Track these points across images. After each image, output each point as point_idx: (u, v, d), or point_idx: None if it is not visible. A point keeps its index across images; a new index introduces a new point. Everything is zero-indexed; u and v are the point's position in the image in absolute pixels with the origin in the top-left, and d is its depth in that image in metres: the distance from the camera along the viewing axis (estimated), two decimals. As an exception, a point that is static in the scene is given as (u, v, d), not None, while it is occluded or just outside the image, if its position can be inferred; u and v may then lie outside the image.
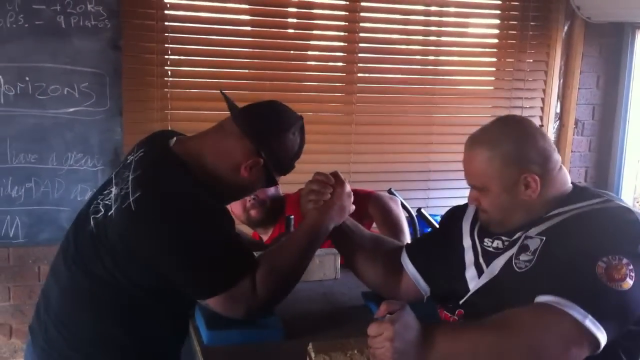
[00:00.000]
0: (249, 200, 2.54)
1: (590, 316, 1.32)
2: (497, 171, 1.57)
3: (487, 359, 1.31)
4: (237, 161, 1.74)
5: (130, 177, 1.69)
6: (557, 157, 1.62)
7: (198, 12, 3.52)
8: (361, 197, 2.62)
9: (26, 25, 3.04)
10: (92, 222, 1.74)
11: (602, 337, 1.33)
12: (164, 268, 1.65)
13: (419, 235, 2.68)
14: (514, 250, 1.58)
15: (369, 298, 2.03)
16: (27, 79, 3.08)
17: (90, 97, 3.17)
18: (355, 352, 1.45)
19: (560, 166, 1.63)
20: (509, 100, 4.09)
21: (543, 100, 4.16)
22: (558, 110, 4.15)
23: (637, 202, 4.84)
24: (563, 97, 4.14)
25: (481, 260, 1.66)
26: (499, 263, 1.60)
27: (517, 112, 4.08)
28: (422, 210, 2.72)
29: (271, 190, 2.60)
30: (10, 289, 3.34)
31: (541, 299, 1.38)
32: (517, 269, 1.55)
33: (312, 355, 1.47)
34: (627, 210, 1.53)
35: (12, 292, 3.34)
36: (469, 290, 1.64)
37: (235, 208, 2.57)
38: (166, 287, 1.69)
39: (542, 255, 1.52)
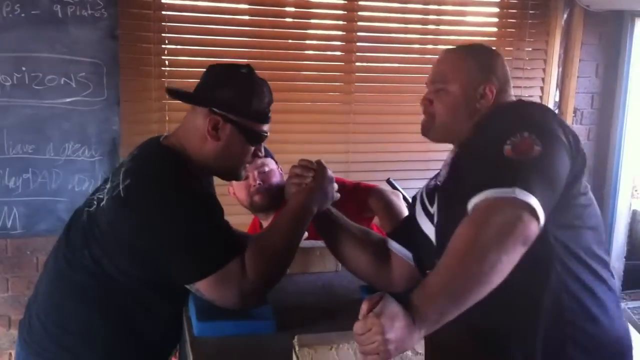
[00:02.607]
0: (253, 185, 2.53)
1: (516, 188, 1.34)
2: (466, 70, 1.69)
3: (464, 288, 1.28)
4: (201, 130, 1.77)
5: (122, 170, 1.74)
6: (512, 91, 1.73)
7: (195, 1, 3.50)
8: (362, 191, 2.62)
9: (23, 14, 3.02)
10: (85, 215, 1.78)
11: (535, 203, 1.33)
12: (152, 252, 1.67)
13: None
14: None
15: (367, 291, 2.01)
16: (23, 69, 3.06)
17: (88, 87, 3.16)
18: (340, 345, 1.44)
19: (513, 99, 1.73)
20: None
21: (542, 88, 4.14)
22: (557, 99, 4.14)
23: (636, 190, 4.85)
24: (562, 86, 4.13)
25: (427, 204, 1.74)
26: (436, 197, 1.70)
27: (516, 101, 4.07)
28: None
29: (276, 178, 2.58)
30: (8, 280, 3.33)
31: (471, 203, 1.40)
32: (438, 185, 1.67)
33: (296, 348, 1.45)
34: (518, 100, 1.66)
35: (10, 283, 3.34)
36: (430, 239, 1.71)
37: (239, 193, 2.56)
38: (155, 277, 1.71)
39: (454, 163, 1.64)
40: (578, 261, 1.53)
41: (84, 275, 1.73)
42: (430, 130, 1.73)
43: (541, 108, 1.58)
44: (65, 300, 1.77)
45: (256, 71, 1.90)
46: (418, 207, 1.80)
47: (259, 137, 1.85)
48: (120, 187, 1.68)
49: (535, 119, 1.52)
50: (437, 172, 1.82)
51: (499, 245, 1.29)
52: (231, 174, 1.91)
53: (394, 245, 1.89)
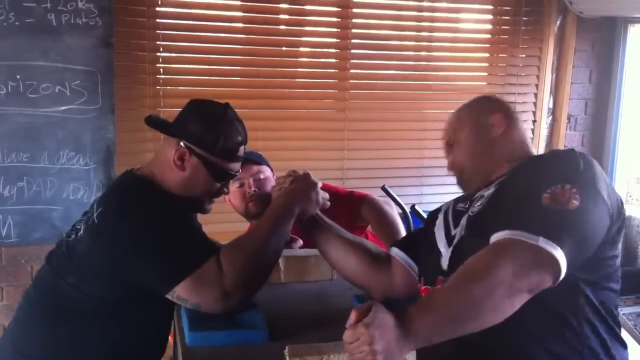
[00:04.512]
0: (248, 192, 2.53)
1: (542, 237, 1.35)
2: (469, 116, 1.78)
3: (463, 310, 1.29)
4: (169, 159, 1.86)
5: (97, 199, 1.86)
6: (521, 123, 1.80)
7: (190, 9, 3.51)
8: (356, 199, 2.62)
9: (17, 23, 3.02)
10: (64, 245, 1.85)
11: (559, 255, 1.34)
12: (129, 269, 1.71)
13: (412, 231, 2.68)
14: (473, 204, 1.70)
15: (360, 300, 2.00)
16: (18, 77, 3.06)
17: (82, 95, 3.15)
18: (331, 356, 1.43)
19: (524, 130, 1.80)
20: (501, 96, 4.07)
21: (536, 95, 4.16)
22: (551, 105, 4.16)
23: (630, 196, 4.86)
24: (556, 92, 4.15)
25: (451, 225, 1.74)
26: (463, 220, 1.68)
27: (510, 108, 4.09)
28: (416, 206, 2.72)
29: (271, 185, 2.58)
30: (3, 288, 3.32)
31: (494, 237, 1.42)
32: (470, 214, 1.67)
33: (287, 358, 1.45)
34: (569, 149, 1.69)
35: (5, 292, 3.33)
36: (441, 257, 1.71)
37: (234, 200, 2.57)
38: (135, 298, 1.76)
39: (492, 198, 1.63)
40: (601, 319, 1.54)
41: (61, 302, 1.79)
42: (466, 183, 1.79)
43: (592, 164, 1.57)
44: (36, 328, 1.83)
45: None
46: (440, 224, 1.79)
47: (225, 175, 1.91)
48: (94, 215, 1.77)
49: (582, 173, 1.52)
50: (460, 194, 1.85)
51: (509, 285, 1.31)
52: (195, 206, 1.96)
53: (397, 252, 1.89)
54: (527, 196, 1.48)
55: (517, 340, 1.52)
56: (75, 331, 1.79)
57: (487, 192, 1.67)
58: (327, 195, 1.97)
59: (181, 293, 1.69)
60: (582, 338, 1.51)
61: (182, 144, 1.84)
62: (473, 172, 1.75)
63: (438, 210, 1.87)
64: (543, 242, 1.34)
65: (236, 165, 1.93)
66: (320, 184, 1.96)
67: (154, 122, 1.98)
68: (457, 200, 1.81)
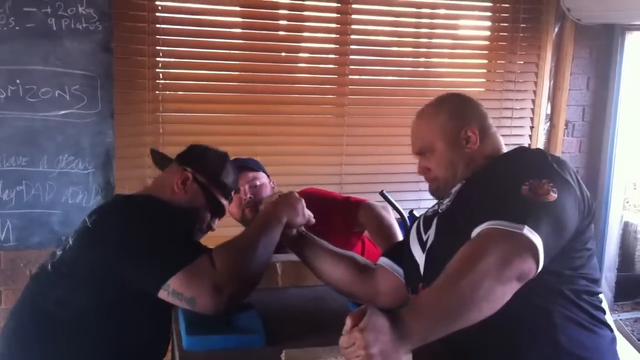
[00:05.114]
0: (244, 199, 2.55)
1: (527, 226, 1.38)
2: (441, 128, 1.77)
3: (455, 305, 1.30)
4: (171, 182, 1.97)
5: (87, 215, 1.89)
6: (491, 121, 1.82)
7: (189, 14, 3.51)
8: (352, 205, 2.63)
9: (17, 27, 3.03)
10: (49, 266, 1.87)
11: (539, 244, 1.37)
12: (122, 268, 1.73)
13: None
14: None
15: (355, 305, 2.01)
16: (17, 81, 3.07)
17: (82, 99, 3.16)
18: None
19: (495, 130, 1.82)
20: (499, 102, 4.10)
21: (533, 101, 4.17)
22: (548, 112, 4.17)
23: (627, 202, 4.87)
24: (553, 99, 4.16)
25: (422, 231, 1.76)
26: (434, 222, 1.72)
27: (507, 113, 4.11)
28: (414, 212, 2.72)
29: (267, 192, 2.60)
30: (1, 292, 3.32)
31: (476, 230, 1.44)
32: (440, 212, 1.71)
33: None
34: (537, 148, 1.72)
35: (4, 295, 3.33)
36: (418, 265, 1.73)
37: (231, 206, 2.58)
38: (128, 305, 1.77)
39: (460, 193, 1.69)
40: (577, 307, 1.57)
41: (49, 320, 1.79)
42: (440, 191, 1.81)
43: (563, 162, 1.62)
44: (24, 349, 1.83)
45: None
46: (413, 234, 1.82)
47: (218, 208, 2.03)
48: (88, 222, 1.82)
49: (556, 170, 1.57)
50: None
51: (496, 274, 1.32)
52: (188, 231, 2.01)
53: (385, 261, 1.92)
54: (505, 188, 1.52)
55: (498, 334, 1.53)
56: (65, 345, 1.79)
57: (455, 188, 1.73)
58: (311, 214, 2.02)
59: (176, 287, 1.69)
60: (557, 328, 1.54)
61: (187, 169, 1.97)
62: (447, 182, 1.78)
63: (411, 224, 1.90)
64: (527, 231, 1.38)
65: (227, 205, 2.08)
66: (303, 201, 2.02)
67: (157, 155, 2.15)
68: (429, 208, 1.85)
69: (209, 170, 2.00)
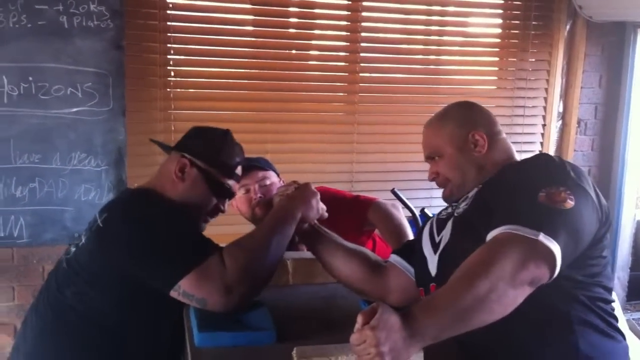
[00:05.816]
0: (254, 198, 2.56)
1: (542, 233, 1.38)
2: (448, 134, 1.81)
3: (468, 306, 1.29)
4: (170, 172, 1.96)
5: (99, 212, 1.90)
6: (500, 128, 1.84)
7: (200, 12, 3.53)
8: (362, 204, 2.63)
9: (29, 25, 3.05)
10: (64, 262, 1.89)
11: (556, 250, 1.38)
12: (134, 267, 1.74)
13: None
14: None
15: (366, 303, 2.00)
16: (30, 79, 3.09)
17: (94, 97, 3.18)
18: (339, 357, 1.44)
19: (505, 136, 1.84)
20: (511, 100, 4.09)
21: (545, 99, 4.16)
22: (561, 110, 4.15)
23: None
24: (565, 97, 4.14)
25: (435, 232, 1.77)
26: (449, 224, 1.73)
27: (519, 112, 4.09)
28: (426, 210, 2.72)
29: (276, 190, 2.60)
30: (14, 288, 3.34)
31: (492, 234, 1.44)
32: (456, 216, 1.72)
33: None
34: (556, 156, 1.71)
35: (17, 292, 3.35)
36: (429, 265, 1.74)
37: (241, 205, 2.59)
38: (138, 302, 1.79)
39: (477, 197, 1.69)
40: (593, 313, 1.57)
41: (69, 315, 1.81)
42: (453, 196, 1.83)
43: (581, 171, 1.62)
44: (45, 346, 1.85)
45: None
46: (425, 234, 1.82)
47: (223, 190, 1.99)
48: (99, 221, 1.82)
49: (574, 178, 1.57)
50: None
51: (510, 278, 1.33)
52: (193, 219, 1.99)
53: (396, 258, 1.93)
54: (522, 194, 1.52)
55: (515, 338, 1.54)
56: (80, 343, 1.81)
57: (472, 193, 1.73)
58: (324, 207, 2.02)
59: (186, 288, 1.71)
60: (575, 333, 1.54)
61: (184, 156, 1.95)
62: (459, 186, 1.80)
63: (430, 217, 1.92)
64: (543, 237, 1.38)
65: (234, 184, 2.02)
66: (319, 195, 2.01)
67: (158, 143, 2.16)
68: (442, 210, 1.86)
69: (207, 152, 1.97)
